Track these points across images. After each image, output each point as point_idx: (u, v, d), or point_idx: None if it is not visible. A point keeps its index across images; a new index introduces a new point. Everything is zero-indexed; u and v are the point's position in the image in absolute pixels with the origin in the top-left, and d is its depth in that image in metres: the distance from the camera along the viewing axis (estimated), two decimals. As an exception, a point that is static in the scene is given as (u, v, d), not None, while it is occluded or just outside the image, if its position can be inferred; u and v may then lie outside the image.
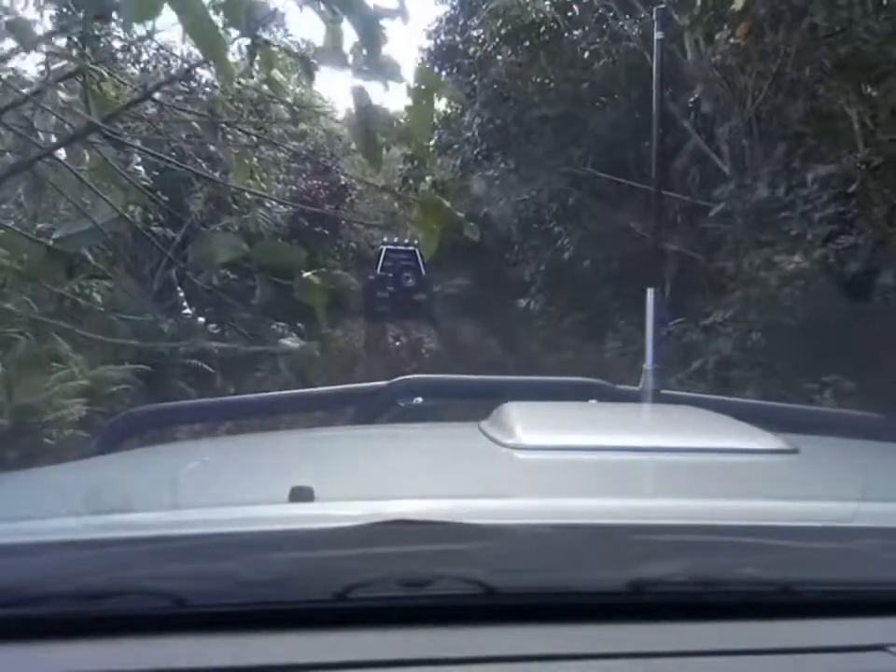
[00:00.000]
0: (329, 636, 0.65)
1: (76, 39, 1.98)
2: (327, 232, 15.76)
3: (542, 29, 9.85)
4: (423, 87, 1.57)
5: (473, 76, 10.65)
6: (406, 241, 18.49)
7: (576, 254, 9.98)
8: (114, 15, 1.66)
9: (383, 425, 1.64)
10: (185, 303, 8.83)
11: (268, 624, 0.65)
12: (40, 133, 1.84)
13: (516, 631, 0.66)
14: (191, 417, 1.63)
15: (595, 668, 0.64)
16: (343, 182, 17.88)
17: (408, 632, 0.65)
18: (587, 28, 9.76)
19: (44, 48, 1.84)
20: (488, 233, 16.45)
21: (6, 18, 1.78)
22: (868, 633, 0.68)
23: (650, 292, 2.30)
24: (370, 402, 1.74)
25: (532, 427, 1.11)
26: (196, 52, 1.77)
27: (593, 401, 1.63)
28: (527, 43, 9.91)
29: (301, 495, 0.74)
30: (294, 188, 14.41)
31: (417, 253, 16.87)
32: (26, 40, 1.68)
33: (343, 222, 19.42)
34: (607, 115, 9.74)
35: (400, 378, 1.77)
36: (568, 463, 1.02)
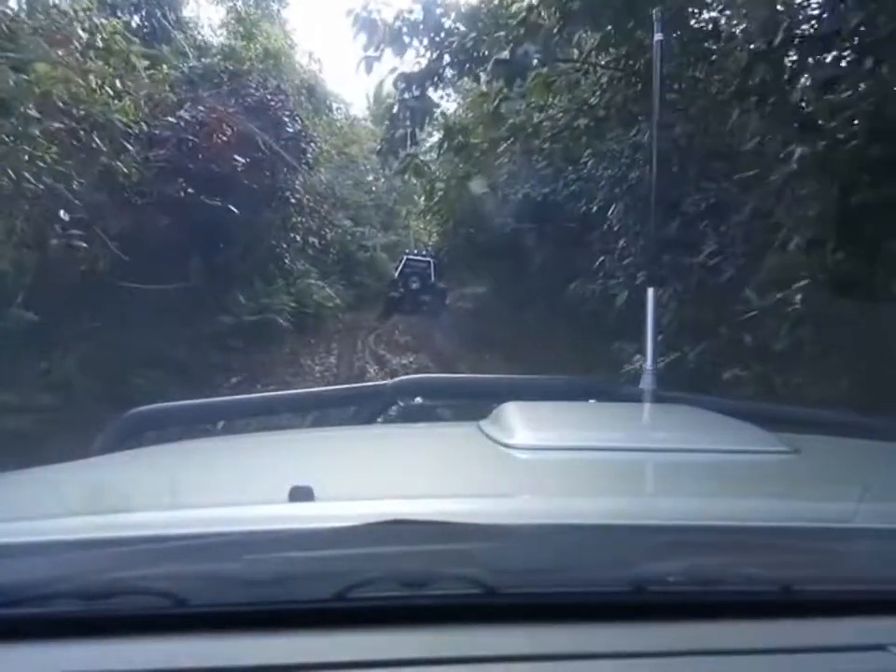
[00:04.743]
0: (329, 636, 0.65)
1: None
2: (235, 210, 8.57)
3: None
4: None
5: None
6: (424, 252, 20.82)
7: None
8: None
9: (383, 425, 1.64)
10: None
11: (268, 624, 0.65)
12: None
13: (516, 631, 0.66)
14: (193, 417, 1.63)
15: (596, 668, 0.64)
16: (290, 129, 10.69)
17: (408, 632, 0.65)
18: None
19: None
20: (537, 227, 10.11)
21: None
22: (868, 633, 0.68)
23: (650, 291, 2.30)
24: (370, 402, 1.74)
25: (532, 426, 1.11)
26: None
27: (592, 401, 1.63)
28: None
29: (300, 495, 0.75)
30: (172, 119, 8.07)
31: (432, 263, 19.54)
32: None
33: (305, 203, 12.68)
34: None
35: (400, 378, 1.77)
36: (568, 463, 1.02)
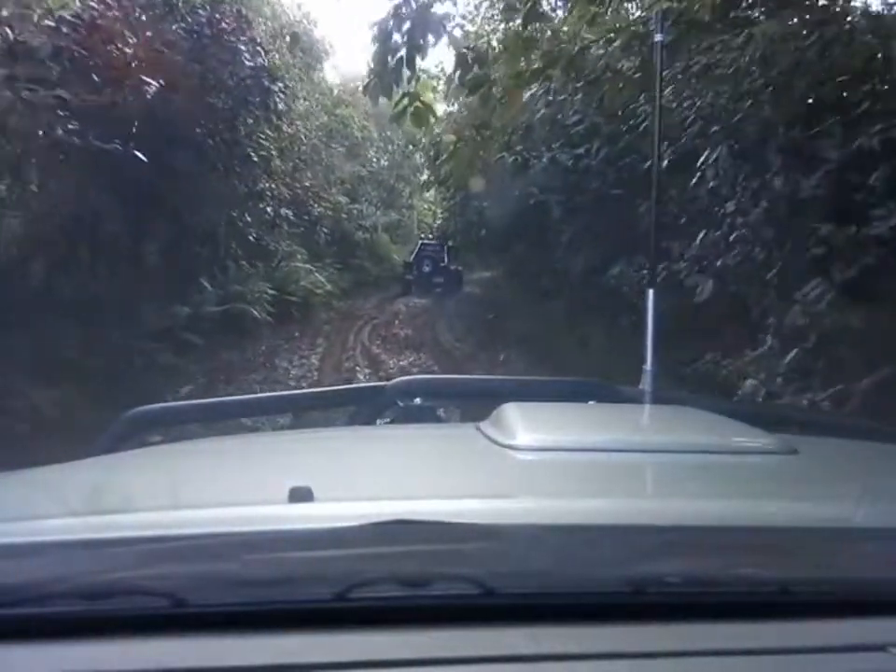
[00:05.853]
0: (329, 636, 0.65)
1: None
2: (142, 157, 5.89)
3: None
4: None
5: None
6: (439, 237, 22.82)
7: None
8: None
9: (382, 425, 1.64)
10: None
11: (268, 624, 0.65)
12: None
13: (516, 631, 0.66)
14: (193, 417, 1.63)
15: (595, 668, 0.64)
16: (250, 62, 7.99)
17: (408, 632, 0.65)
18: None
19: None
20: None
21: None
22: (868, 633, 0.68)
23: (650, 292, 2.30)
24: (370, 402, 1.74)
25: (532, 427, 1.11)
26: None
27: (592, 402, 1.63)
28: None
29: (300, 495, 0.75)
30: (50, 21, 5.25)
31: (445, 247, 21.28)
32: None
33: (277, 166, 10.23)
34: None
35: (400, 378, 1.77)
36: (568, 463, 1.03)
